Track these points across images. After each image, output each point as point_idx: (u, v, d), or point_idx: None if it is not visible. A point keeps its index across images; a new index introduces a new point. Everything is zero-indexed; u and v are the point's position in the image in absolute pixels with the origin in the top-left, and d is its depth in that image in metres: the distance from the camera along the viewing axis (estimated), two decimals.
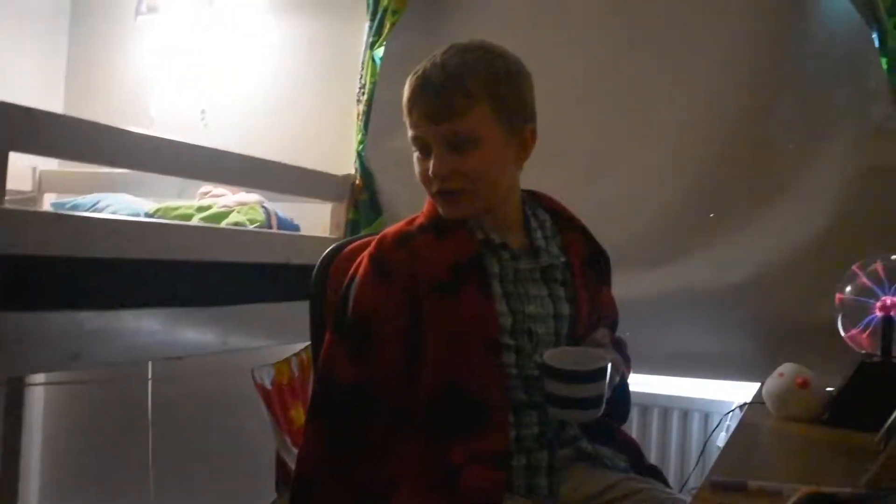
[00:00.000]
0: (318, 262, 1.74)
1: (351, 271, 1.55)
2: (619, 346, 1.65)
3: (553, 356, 1.41)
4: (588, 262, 1.63)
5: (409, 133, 1.51)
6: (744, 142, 2.63)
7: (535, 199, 1.66)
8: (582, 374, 1.38)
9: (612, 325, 1.73)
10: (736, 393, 2.58)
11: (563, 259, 1.59)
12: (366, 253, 1.55)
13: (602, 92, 2.82)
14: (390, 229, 1.58)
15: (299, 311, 2.76)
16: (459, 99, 1.44)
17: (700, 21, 2.71)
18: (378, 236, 1.57)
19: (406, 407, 1.47)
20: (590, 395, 1.38)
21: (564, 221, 1.65)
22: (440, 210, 1.54)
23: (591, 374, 1.39)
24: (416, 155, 1.53)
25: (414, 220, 1.60)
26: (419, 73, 1.50)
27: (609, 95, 2.81)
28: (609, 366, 1.42)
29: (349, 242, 1.73)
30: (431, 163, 1.48)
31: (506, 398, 1.48)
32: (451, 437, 1.45)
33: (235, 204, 2.83)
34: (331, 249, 1.75)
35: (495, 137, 1.48)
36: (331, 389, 1.50)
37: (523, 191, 1.63)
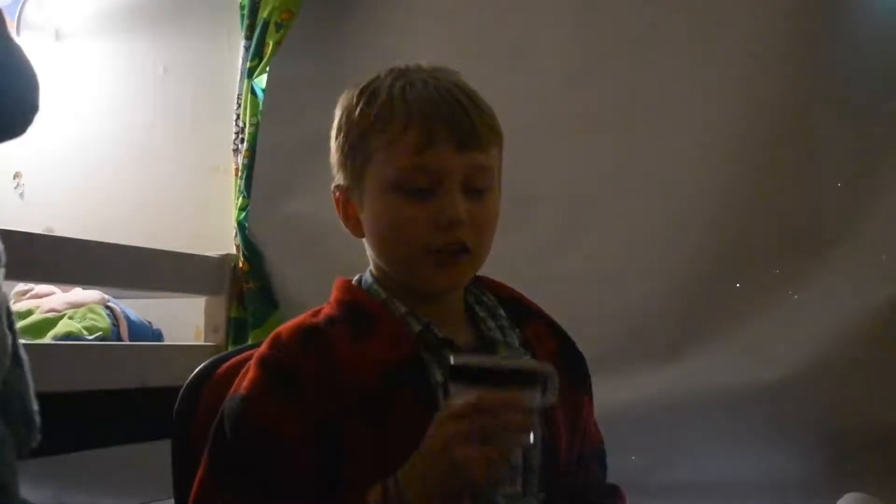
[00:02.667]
0: (184, 385, 1.72)
1: (233, 387, 1.53)
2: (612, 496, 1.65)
3: (465, 357, 1.39)
4: (561, 364, 1.62)
5: (400, 165, 1.48)
6: (775, 182, 2.66)
7: (477, 284, 1.66)
8: (503, 370, 1.35)
9: (601, 459, 1.72)
10: None
11: (526, 357, 1.59)
12: (255, 356, 1.53)
13: (577, 115, 2.84)
14: (287, 325, 1.55)
15: (162, 455, 2.74)
16: (488, 129, 1.49)
17: (714, 21, 2.75)
18: (272, 334, 1.55)
19: None
20: None
21: (523, 311, 1.66)
22: (425, 279, 1.52)
23: (517, 375, 1.35)
24: (389, 202, 1.50)
25: (318, 311, 1.58)
26: (422, 85, 1.50)
27: (590, 120, 2.84)
28: (545, 375, 1.39)
29: (230, 355, 1.71)
30: (445, 206, 1.46)
31: None
32: None
33: (66, 306, 2.80)
34: (203, 367, 1.72)
35: (497, 188, 1.53)
36: None
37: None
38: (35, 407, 1.79)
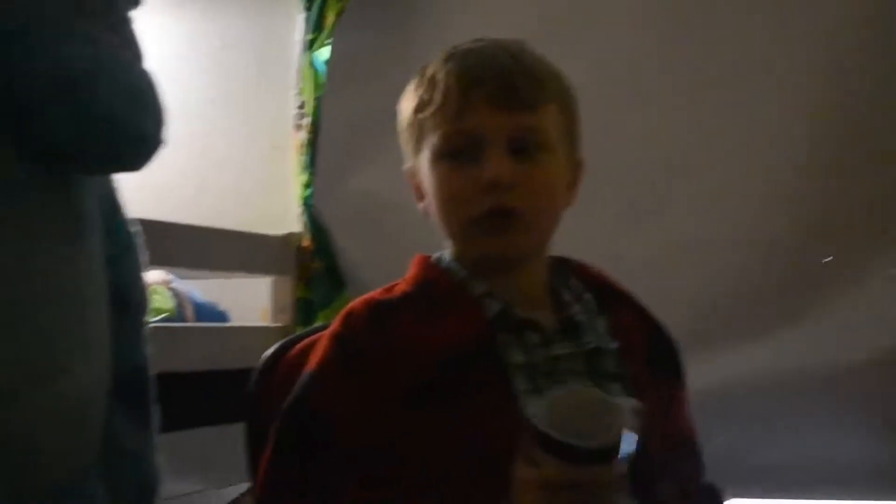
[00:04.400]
0: (258, 367, 1.73)
1: (308, 365, 1.54)
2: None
3: (552, 406, 1.36)
4: (651, 353, 1.61)
5: (440, 133, 1.50)
6: (866, 153, 2.62)
7: (564, 266, 1.65)
8: (581, 451, 1.33)
9: (695, 455, 1.68)
10: None
11: (614, 345, 1.58)
12: (326, 333, 1.53)
13: (657, 86, 2.82)
14: (360, 300, 1.55)
15: (230, 438, 2.76)
16: (533, 87, 1.49)
17: None
18: (345, 310, 1.55)
19: None
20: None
21: (611, 296, 1.64)
22: (478, 244, 1.53)
23: (597, 454, 1.33)
24: (437, 172, 1.52)
25: (393, 287, 1.58)
26: (468, 51, 1.53)
27: (670, 91, 2.81)
28: (628, 442, 1.37)
29: (301, 337, 1.72)
30: (486, 167, 1.47)
31: None
32: None
33: None
34: (274, 350, 1.73)
35: (560, 152, 1.52)
36: None
37: (558, 258, 1.63)
38: (157, 466, 1.64)
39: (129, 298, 1.55)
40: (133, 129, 1.32)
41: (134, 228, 1.60)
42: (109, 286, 1.48)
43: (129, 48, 1.38)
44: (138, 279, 1.59)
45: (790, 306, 2.66)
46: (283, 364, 1.67)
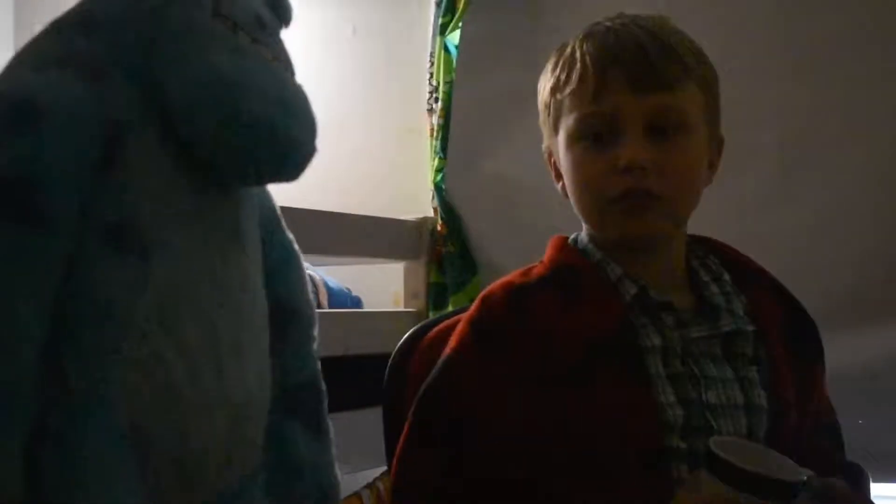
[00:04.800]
0: (392, 353, 1.74)
1: (445, 350, 1.55)
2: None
3: (725, 445, 1.36)
4: (790, 334, 1.59)
5: (576, 114, 1.50)
6: None
7: (702, 246, 1.64)
8: (773, 483, 1.32)
9: (834, 434, 1.65)
10: None
11: (751, 327, 1.56)
12: (464, 317, 1.55)
13: (796, 60, 2.76)
14: (498, 283, 1.57)
15: (368, 422, 2.78)
16: (673, 67, 1.47)
17: None
18: (481, 294, 1.57)
19: None
20: None
21: (749, 276, 1.62)
22: (614, 226, 1.52)
23: (784, 487, 1.33)
24: (573, 154, 1.52)
25: (530, 270, 1.59)
26: (607, 30, 1.51)
27: (809, 65, 2.74)
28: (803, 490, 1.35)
29: (437, 321, 1.73)
30: (622, 149, 1.45)
31: None
32: None
33: None
34: (410, 335, 1.75)
35: (701, 132, 1.51)
36: None
37: (695, 237, 1.62)
38: (334, 473, 1.64)
39: (296, 309, 1.60)
40: (283, 136, 1.34)
41: (292, 242, 1.65)
42: (274, 298, 1.53)
43: (280, 61, 1.42)
44: (303, 291, 1.63)
45: None
46: (420, 349, 1.69)
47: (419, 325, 1.76)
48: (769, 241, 2.37)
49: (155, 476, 1.27)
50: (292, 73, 1.44)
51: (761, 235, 2.49)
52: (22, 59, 1.30)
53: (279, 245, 1.58)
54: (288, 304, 1.55)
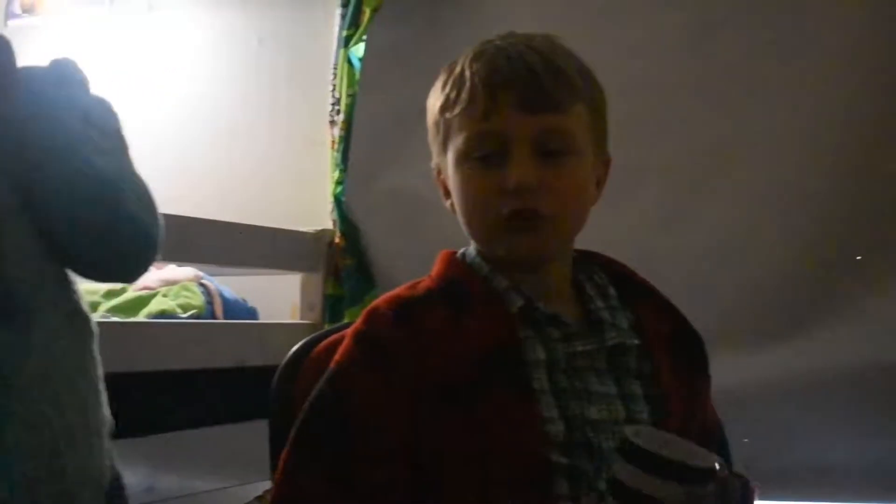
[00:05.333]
0: (281, 364, 1.73)
1: (331, 363, 1.54)
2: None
3: (641, 435, 1.37)
4: (675, 347, 1.61)
5: (465, 134, 1.50)
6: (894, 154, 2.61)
7: (590, 261, 1.65)
8: (691, 470, 1.34)
9: (721, 447, 1.68)
10: None
11: (636, 341, 1.58)
12: (350, 330, 1.54)
13: (690, 84, 2.80)
14: (384, 297, 1.56)
15: (258, 435, 2.76)
16: (562, 88, 1.48)
17: None
18: (368, 307, 1.55)
19: None
20: (673, 502, 1.34)
21: (635, 291, 1.64)
22: (501, 246, 1.53)
23: (702, 474, 1.34)
24: (462, 173, 1.52)
25: (418, 284, 1.59)
26: (497, 50, 1.51)
27: (704, 89, 2.80)
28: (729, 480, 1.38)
29: (328, 333, 1.72)
30: (510, 170, 1.47)
31: None
32: None
33: (160, 283, 2.84)
34: (300, 346, 1.73)
35: (588, 152, 1.52)
36: None
37: (583, 251, 1.63)
38: None
39: None
40: (149, 233, 1.42)
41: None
42: None
43: (130, 161, 1.48)
44: None
45: (818, 307, 2.66)
46: (308, 361, 1.67)
47: (307, 337, 1.75)
48: (669, 259, 2.41)
49: None
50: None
51: (661, 254, 2.52)
52: None
53: None
54: None
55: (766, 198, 2.72)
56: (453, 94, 1.51)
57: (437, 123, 1.55)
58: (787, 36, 2.73)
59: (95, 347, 1.54)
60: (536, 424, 1.45)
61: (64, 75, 1.48)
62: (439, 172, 1.61)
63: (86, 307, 1.51)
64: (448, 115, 1.52)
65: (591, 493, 1.43)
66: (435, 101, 1.57)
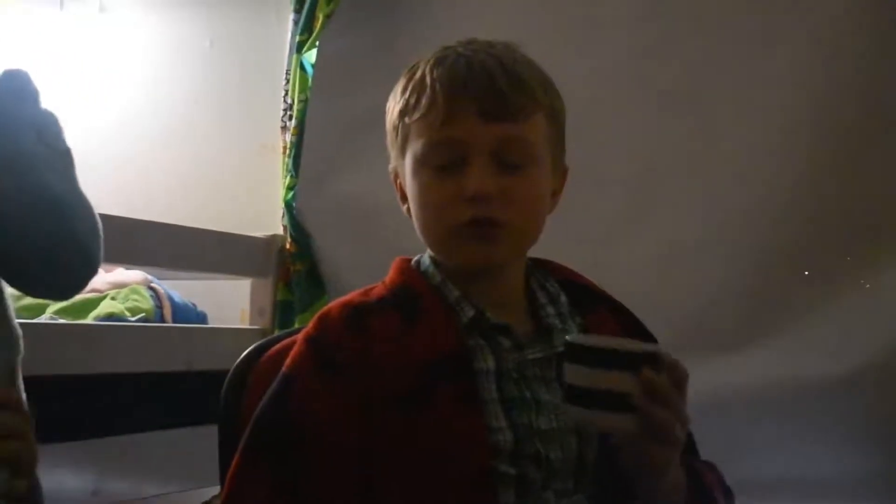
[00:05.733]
0: (231, 369, 1.73)
1: (282, 368, 1.55)
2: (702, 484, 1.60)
3: (580, 337, 1.41)
4: None
5: (424, 140, 1.50)
6: (847, 169, 2.63)
7: (542, 269, 1.66)
8: (621, 354, 1.34)
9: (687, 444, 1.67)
10: None
11: None
12: (301, 335, 1.55)
13: (646, 94, 2.83)
14: (336, 302, 1.56)
15: (207, 440, 2.75)
16: (522, 98, 1.48)
17: (786, 7, 2.72)
18: (319, 312, 1.56)
19: None
20: (625, 390, 1.36)
21: (587, 297, 1.65)
22: (457, 254, 1.53)
23: (634, 357, 1.34)
24: (420, 179, 1.52)
25: (370, 290, 1.59)
26: (458, 56, 1.51)
27: (659, 100, 2.82)
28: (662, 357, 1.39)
29: (278, 339, 1.72)
30: (469, 178, 1.47)
31: None
32: None
33: (108, 286, 2.83)
34: (251, 350, 1.73)
35: (547, 162, 1.53)
36: None
37: (536, 260, 1.63)
38: None
39: None
40: (92, 254, 1.42)
41: None
42: None
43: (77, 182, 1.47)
44: None
45: (768, 320, 2.68)
46: (258, 367, 1.67)
47: (258, 342, 1.75)
48: (619, 269, 2.41)
49: None
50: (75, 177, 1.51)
51: (612, 264, 2.53)
52: None
53: None
54: None
55: (722, 209, 2.75)
56: (413, 100, 1.51)
57: (395, 127, 1.56)
58: (748, 47, 2.76)
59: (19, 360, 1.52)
60: (482, 434, 1.46)
61: (17, 87, 1.47)
62: (396, 176, 1.61)
63: (13, 320, 1.50)
64: (407, 119, 1.52)
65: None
66: (394, 104, 1.56)
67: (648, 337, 1.63)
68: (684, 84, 2.81)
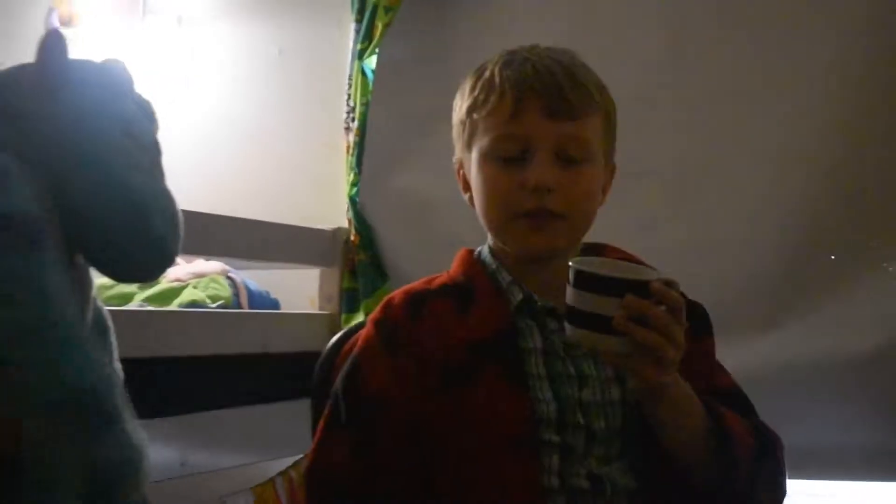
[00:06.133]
0: (323, 351, 1.78)
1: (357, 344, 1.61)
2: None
3: (584, 262, 1.41)
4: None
5: (492, 135, 1.54)
6: (872, 157, 2.64)
7: (596, 252, 1.68)
8: (609, 281, 1.36)
9: (737, 400, 1.63)
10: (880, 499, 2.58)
11: None
12: (369, 318, 1.61)
13: (682, 94, 2.83)
14: (401, 289, 1.64)
15: (281, 415, 2.80)
16: (585, 99, 1.52)
17: (812, 4, 2.72)
18: (385, 298, 1.63)
19: None
20: (609, 313, 1.35)
21: None
22: (518, 240, 1.57)
23: (620, 283, 1.36)
24: (485, 170, 1.56)
25: (434, 279, 1.65)
26: (525, 59, 1.55)
27: (694, 98, 2.82)
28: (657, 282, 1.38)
29: (361, 327, 1.77)
30: (531, 171, 1.51)
31: None
32: None
33: (190, 276, 2.88)
34: (339, 336, 1.79)
35: (600, 159, 1.56)
36: (329, 494, 1.55)
37: (591, 245, 1.67)
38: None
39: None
40: (170, 250, 1.38)
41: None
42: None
43: (162, 175, 1.42)
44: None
45: (795, 301, 2.68)
46: (344, 350, 1.73)
47: (348, 326, 1.81)
48: (660, 255, 2.42)
49: None
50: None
51: (652, 250, 2.54)
52: None
53: None
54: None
55: (749, 201, 2.75)
56: (482, 97, 1.54)
57: (462, 122, 1.59)
58: (771, 45, 2.76)
59: (112, 340, 1.50)
60: (527, 405, 1.50)
61: (109, 80, 1.41)
62: (460, 167, 1.64)
63: (100, 303, 1.48)
64: (475, 115, 1.56)
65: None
66: (462, 102, 1.60)
67: (693, 305, 1.62)
68: (716, 83, 2.81)
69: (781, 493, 1.61)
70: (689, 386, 1.47)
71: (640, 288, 1.35)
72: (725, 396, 1.60)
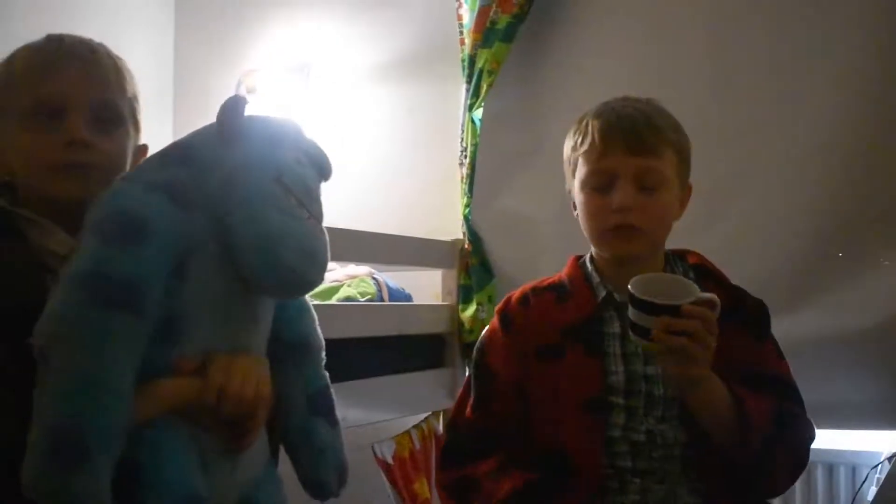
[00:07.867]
0: (479, 338, 1.79)
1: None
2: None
3: (639, 282, 1.43)
4: (736, 319, 1.56)
5: (586, 169, 1.57)
6: (875, 177, 2.54)
7: (680, 258, 1.68)
8: (648, 304, 1.39)
9: (777, 385, 1.60)
10: (885, 443, 2.48)
11: None
12: (496, 308, 1.71)
13: (719, 122, 2.72)
14: (521, 287, 1.71)
15: (415, 382, 2.82)
16: (657, 139, 1.54)
17: (822, 28, 2.60)
18: (507, 294, 1.72)
19: (517, 459, 1.55)
20: (649, 326, 1.40)
21: (706, 276, 1.64)
22: (608, 248, 1.60)
23: (655, 307, 1.39)
24: (583, 196, 1.59)
25: (546, 279, 1.71)
26: (611, 110, 1.57)
27: (728, 125, 2.72)
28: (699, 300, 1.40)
29: None
30: (615, 196, 1.52)
31: (600, 463, 1.49)
32: (548, 498, 1.49)
33: (345, 277, 2.90)
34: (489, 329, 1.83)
35: (674, 185, 1.57)
36: (456, 436, 1.66)
37: (675, 250, 1.68)
38: (344, 454, 1.50)
39: (310, 342, 1.51)
40: (305, 279, 1.27)
41: (304, 299, 1.55)
42: (297, 334, 1.48)
43: (314, 219, 1.31)
44: (314, 328, 1.54)
45: (810, 290, 2.60)
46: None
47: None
48: (707, 244, 2.37)
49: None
50: (321, 222, 1.35)
51: (700, 240, 2.49)
52: (134, 178, 1.28)
53: (295, 302, 1.50)
54: (305, 339, 1.49)
55: (772, 213, 2.67)
56: (579, 140, 1.58)
57: (568, 159, 1.63)
58: (788, 78, 2.65)
59: (262, 342, 1.41)
60: (602, 375, 1.50)
61: (272, 133, 1.33)
62: (570, 193, 1.66)
63: (265, 311, 1.39)
64: (575, 154, 1.60)
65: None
66: (568, 143, 1.63)
67: (752, 305, 1.64)
68: (745, 113, 2.72)
69: (800, 462, 1.57)
70: (719, 380, 1.46)
71: (672, 310, 1.38)
72: (769, 380, 1.58)
